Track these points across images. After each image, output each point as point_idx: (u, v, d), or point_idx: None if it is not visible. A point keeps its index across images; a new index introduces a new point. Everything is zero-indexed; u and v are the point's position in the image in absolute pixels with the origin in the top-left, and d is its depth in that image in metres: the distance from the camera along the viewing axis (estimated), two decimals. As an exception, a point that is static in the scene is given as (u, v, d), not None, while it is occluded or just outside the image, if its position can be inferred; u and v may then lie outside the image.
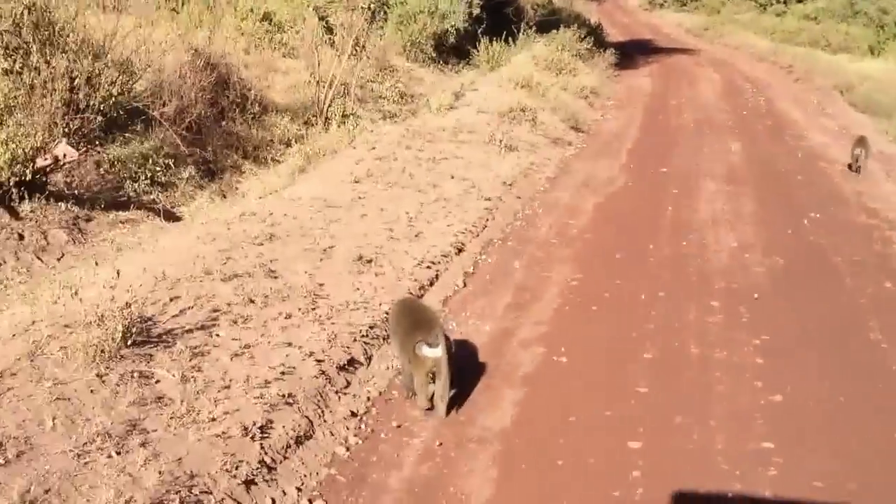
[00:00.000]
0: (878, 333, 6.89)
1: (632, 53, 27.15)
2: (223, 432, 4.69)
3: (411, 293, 7.27)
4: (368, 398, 5.73)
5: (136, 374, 4.96)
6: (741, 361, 6.32)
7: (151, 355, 5.21)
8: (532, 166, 12.04)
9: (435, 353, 5.21)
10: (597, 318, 7.08)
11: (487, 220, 9.55)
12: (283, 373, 5.48)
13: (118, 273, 5.55)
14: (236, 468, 4.45)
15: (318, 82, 13.04)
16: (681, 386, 5.96)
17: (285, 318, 6.16)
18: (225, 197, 9.84)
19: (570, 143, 14.17)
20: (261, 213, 8.04)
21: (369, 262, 7.49)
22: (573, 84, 18.10)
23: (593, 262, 8.44)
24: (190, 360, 5.26)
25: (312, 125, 12.65)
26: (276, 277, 6.76)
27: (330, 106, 13.02)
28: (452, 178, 10.38)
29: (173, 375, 5.02)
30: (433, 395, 5.39)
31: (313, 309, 6.42)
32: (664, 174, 12.19)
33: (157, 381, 4.98)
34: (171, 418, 4.67)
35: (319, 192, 8.96)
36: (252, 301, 6.23)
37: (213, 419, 4.77)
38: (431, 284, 7.70)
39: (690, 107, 18.40)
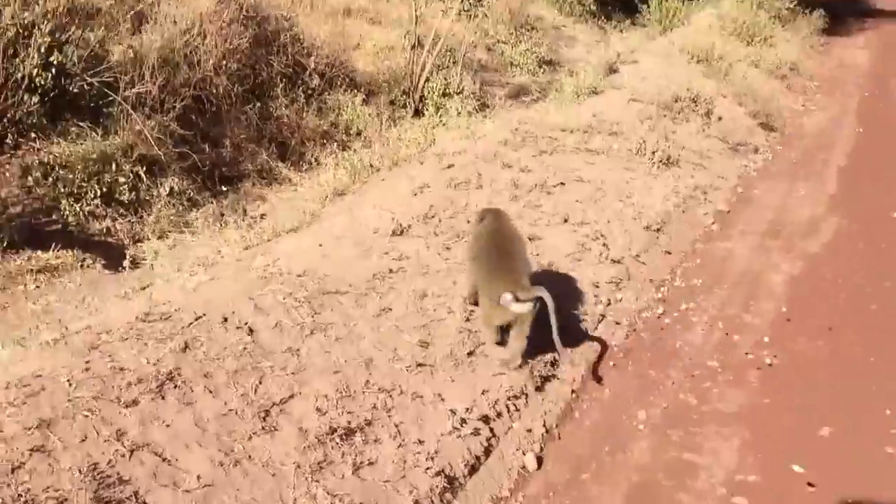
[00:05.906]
0: None
1: (843, 15, 21.27)
2: None
3: (416, 512, 3.57)
4: None
5: None
6: None
7: None
8: (695, 193, 7.81)
9: (521, 308, 4.27)
10: None
11: (608, 305, 5.59)
12: None
13: None
14: None
15: (412, 46, 9.16)
16: None
17: None
18: (225, 224, 6.30)
19: (756, 150, 9.68)
20: (183, 309, 4.22)
21: (352, 433, 3.80)
22: (768, 58, 13.24)
23: (782, 439, 4.32)
24: None
25: (402, 108, 8.84)
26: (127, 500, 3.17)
27: (427, 80, 9.14)
28: (566, 221, 6.39)
29: None
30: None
31: None
32: (900, 222, 7.60)
33: None
34: None
35: (323, 256, 5.20)
36: None
37: None
38: (470, 474, 3.96)
39: (926, 97, 13.12)
